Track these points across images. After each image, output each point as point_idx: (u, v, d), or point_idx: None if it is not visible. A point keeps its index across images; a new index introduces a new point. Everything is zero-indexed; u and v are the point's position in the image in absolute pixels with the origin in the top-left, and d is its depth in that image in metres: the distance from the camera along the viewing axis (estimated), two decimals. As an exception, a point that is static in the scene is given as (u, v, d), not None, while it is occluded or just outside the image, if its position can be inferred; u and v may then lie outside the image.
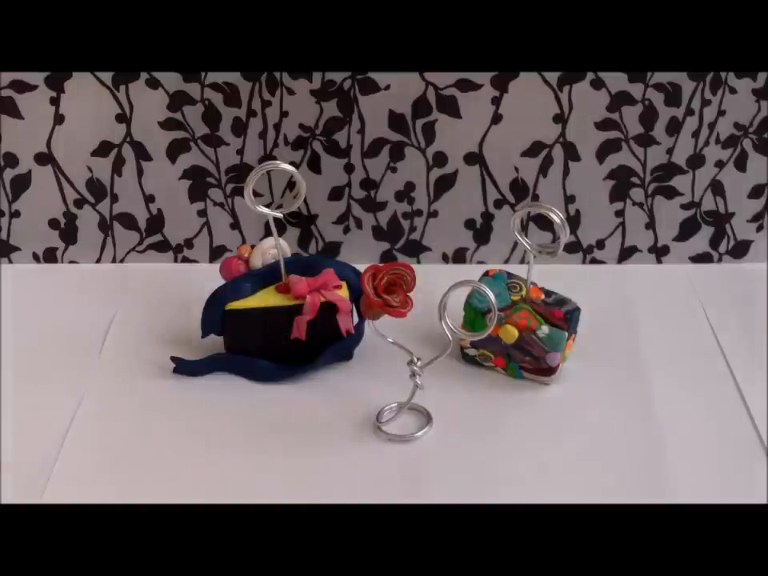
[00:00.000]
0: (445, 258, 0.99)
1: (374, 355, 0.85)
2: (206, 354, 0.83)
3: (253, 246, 0.86)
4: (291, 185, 0.96)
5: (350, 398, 0.81)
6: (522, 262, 0.97)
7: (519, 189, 0.96)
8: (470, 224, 0.98)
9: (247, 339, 0.83)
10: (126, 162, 0.94)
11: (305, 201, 0.93)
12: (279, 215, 0.82)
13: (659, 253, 0.99)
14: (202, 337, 0.83)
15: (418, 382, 0.76)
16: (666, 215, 0.97)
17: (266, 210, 0.81)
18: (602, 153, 0.94)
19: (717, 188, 0.96)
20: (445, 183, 0.95)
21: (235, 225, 0.97)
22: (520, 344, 0.80)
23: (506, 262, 0.99)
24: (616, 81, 0.91)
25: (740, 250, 0.99)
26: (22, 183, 0.95)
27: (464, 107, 0.92)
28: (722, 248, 0.99)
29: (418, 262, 0.99)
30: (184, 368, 0.83)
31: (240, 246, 0.87)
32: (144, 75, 0.90)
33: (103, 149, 0.94)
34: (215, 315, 0.82)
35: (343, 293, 0.82)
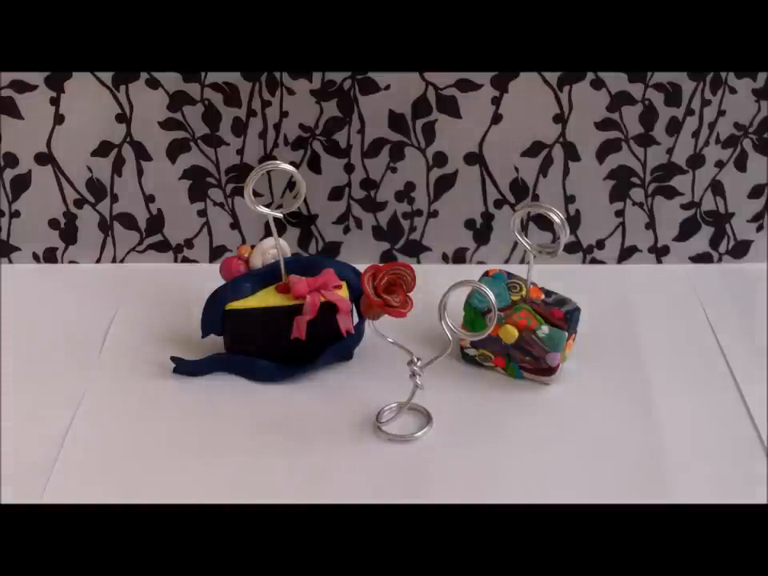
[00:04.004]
0: (445, 258, 0.99)
1: (374, 355, 0.85)
2: (205, 354, 0.83)
3: (253, 246, 0.86)
4: (291, 185, 0.96)
5: (350, 398, 0.81)
6: (522, 262, 0.97)
7: (519, 189, 0.96)
8: (469, 224, 0.98)
9: (247, 339, 0.83)
10: (126, 161, 0.94)
11: (305, 201, 0.93)
12: (279, 215, 0.82)
13: (659, 253, 0.99)
14: (202, 337, 0.83)
15: (418, 382, 0.76)
16: (665, 215, 0.97)
17: (266, 210, 0.81)
18: (602, 153, 0.94)
19: (717, 188, 0.96)
20: (445, 183, 0.95)
21: (235, 225, 0.97)
22: (520, 344, 0.80)
23: (506, 262, 0.99)
24: (616, 81, 0.91)
25: (740, 249, 0.99)
26: (21, 183, 0.95)
27: (464, 107, 0.92)
28: (722, 248, 0.99)
29: (418, 262, 0.99)
30: (184, 368, 0.83)
31: (240, 246, 0.87)
32: (144, 75, 0.90)
33: (103, 149, 0.94)
34: (215, 315, 0.82)
35: (343, 293, 0.82)
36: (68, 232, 0.97)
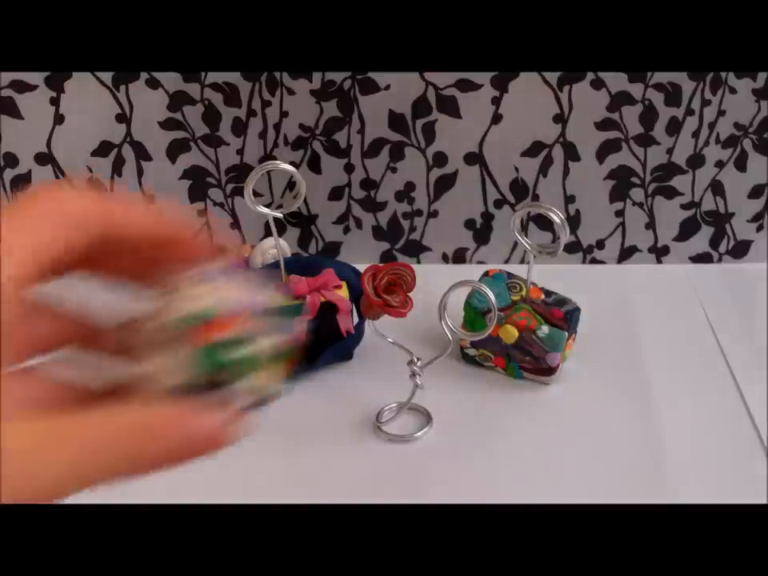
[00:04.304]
0: (445, 258, 0.99)
1: (374, 355, 0.85)
2: (206, 354, 0.83)
3: (253, 246, 0.86)
4: (291, 185, 0.96)
5: (350, 398, 0.81)
6: (522, 262, 0.97)
7: (519, 189, 0.96)
8: (469, 224, 0.98)
9: (247, 339, 0.83)
10: (126, 162, 0.94)
11: (305, 201, 0.93)
12: (279, 215, 0.82)
13: (659, 253, 0.99)
14: (203, 337, 0.83)
15: (418, 382, 0.76)
16: (665, 215, 0.97)
17: (266, 210, 0.81)
18: (602, 153, 0.94)
19: (717, 188, 0.96)
20: (445, 183, 0.95)
21: (235, 225, 0.97)
22: (520, 344, 0.80)
23: (506, 262, 0.99)
24: (616, 81, 0.91)
25: (740, 249, 0.99)
26: (21, 183, 0.95)
27: (464, 107, 0.92)
28: (722, 248, 0.99)
29: (418, 262, 0.99)
30: (184, 368, 0.83)
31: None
32: (144, 75, 0.90)
33: (103, 149, 0.94)
34: (215, 315, 0.82)
35: (343, 293, 0.82)
36: (68, 232, 0.97)
